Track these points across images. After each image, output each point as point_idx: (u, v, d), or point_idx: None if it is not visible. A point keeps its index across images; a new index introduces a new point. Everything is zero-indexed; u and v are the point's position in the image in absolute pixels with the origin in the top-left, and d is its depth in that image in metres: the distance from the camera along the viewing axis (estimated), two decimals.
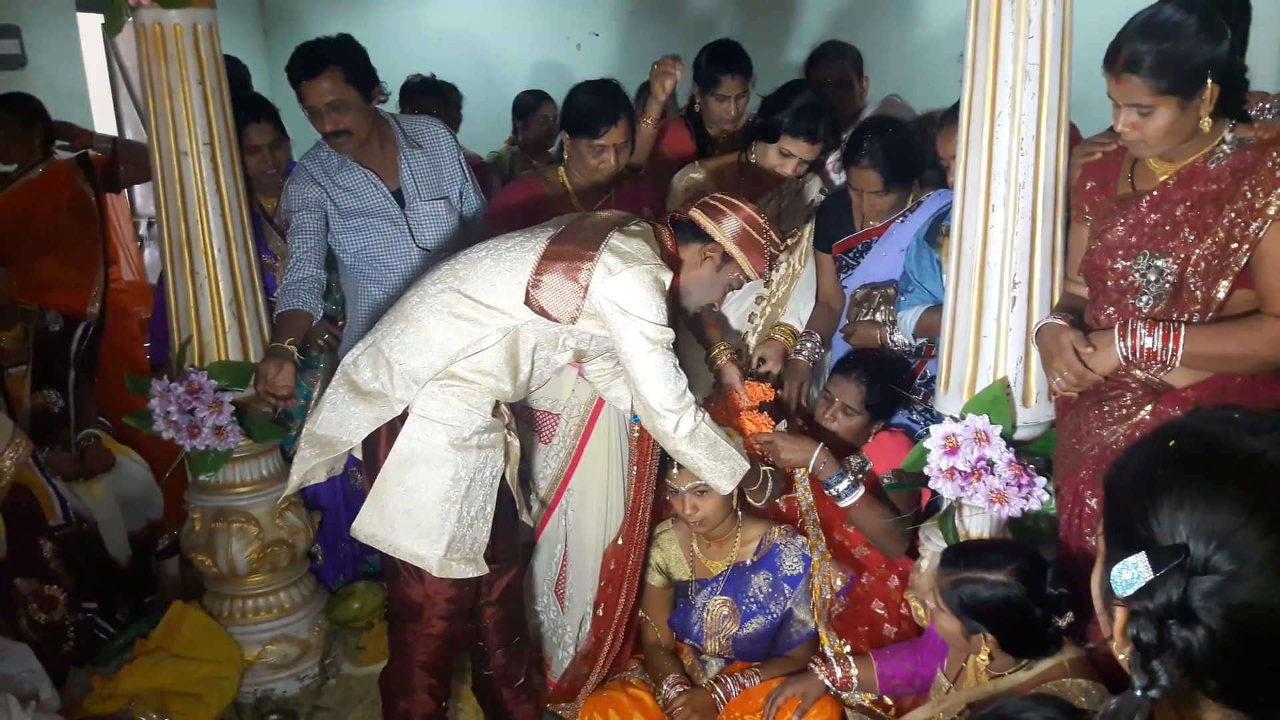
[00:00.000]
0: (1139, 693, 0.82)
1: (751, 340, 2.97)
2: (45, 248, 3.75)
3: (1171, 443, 0.90)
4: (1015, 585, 1.83)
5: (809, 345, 2.92)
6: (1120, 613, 0.87)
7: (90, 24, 5.61)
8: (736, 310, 2.97)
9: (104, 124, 5.89)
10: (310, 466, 2.45)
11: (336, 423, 2.40)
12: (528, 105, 4.70)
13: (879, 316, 2.83)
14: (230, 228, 2.78)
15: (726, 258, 2.43)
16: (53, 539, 3.02)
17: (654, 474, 2.68)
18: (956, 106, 2.16)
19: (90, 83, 5.62)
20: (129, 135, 5.87)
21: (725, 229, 2.40)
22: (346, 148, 2.91)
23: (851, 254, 2.92)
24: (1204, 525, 0.83)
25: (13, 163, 3.84)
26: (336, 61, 2.81)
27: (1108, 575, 0.86)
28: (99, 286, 3.84)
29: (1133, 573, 0.84)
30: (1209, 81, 1.78)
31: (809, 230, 2.97)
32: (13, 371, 3.27)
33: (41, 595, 2.94)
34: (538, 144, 4.71)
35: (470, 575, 2.39)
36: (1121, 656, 0.86)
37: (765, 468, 2.53)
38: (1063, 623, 1.83)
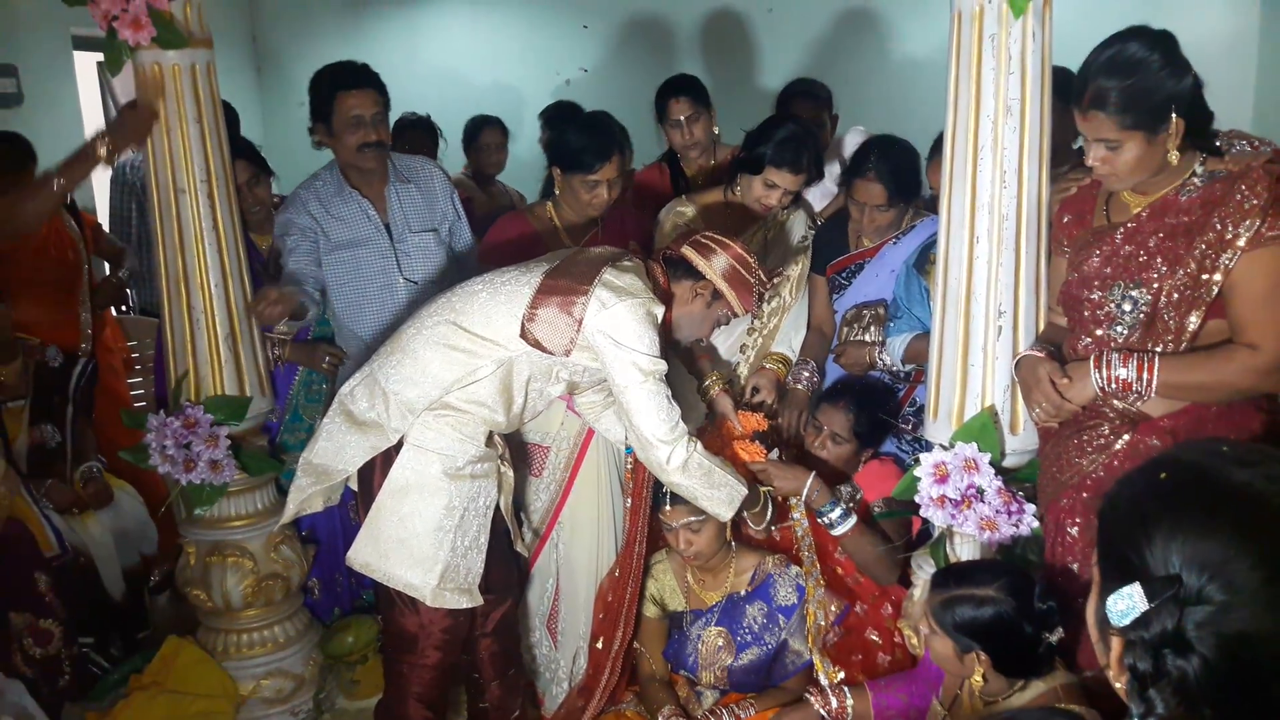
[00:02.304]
0: None
1: (743, 370, 3.00)
2: (27, 288, 3.75)
3: (1163, 475, 0.91)
4: (1005, 600, 1.85)
5: (805, 374, 2.95)
6: (1116, 642, 0.88)
7: (86, 62, 5.66)
8: (726, 340, 3.00)
9: None
10: (306, 495, 2.47)
11: (333, 452, 2.42)
12: (470, 131, 4.56)
13: (869, 336, 2.87)
14: (226, 263, 2.81)
15: (716, 294, 2.47)
16: (49, 572, 3.01)
17: (649, 506, 2.70)
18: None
19: (85, 121, 5.65)
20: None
21: (715, 266, 2.44)
22: (373, 161, 3.04)
23: (844, 274, 2.97)
24: (1196, 556, 0.84)
25: None
26: (375, 79, 3.02)
27: (1103, 605, 0.88)
28: (85, 322, 3.85)
29: (1127, 603, 0.85)
30: (1173, 116, 1.82)
31: (803, 263, 3.01)
32: (11, 406, 3.27)
33: (36, 630, 2.92)
34: (483, 171, 4.58)
35: (464, 605, 2.40)
36: (1118, 685, 0.87)
37: (765, 489, 2.55)
38: (1053, 638, 1.85)
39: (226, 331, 2.83)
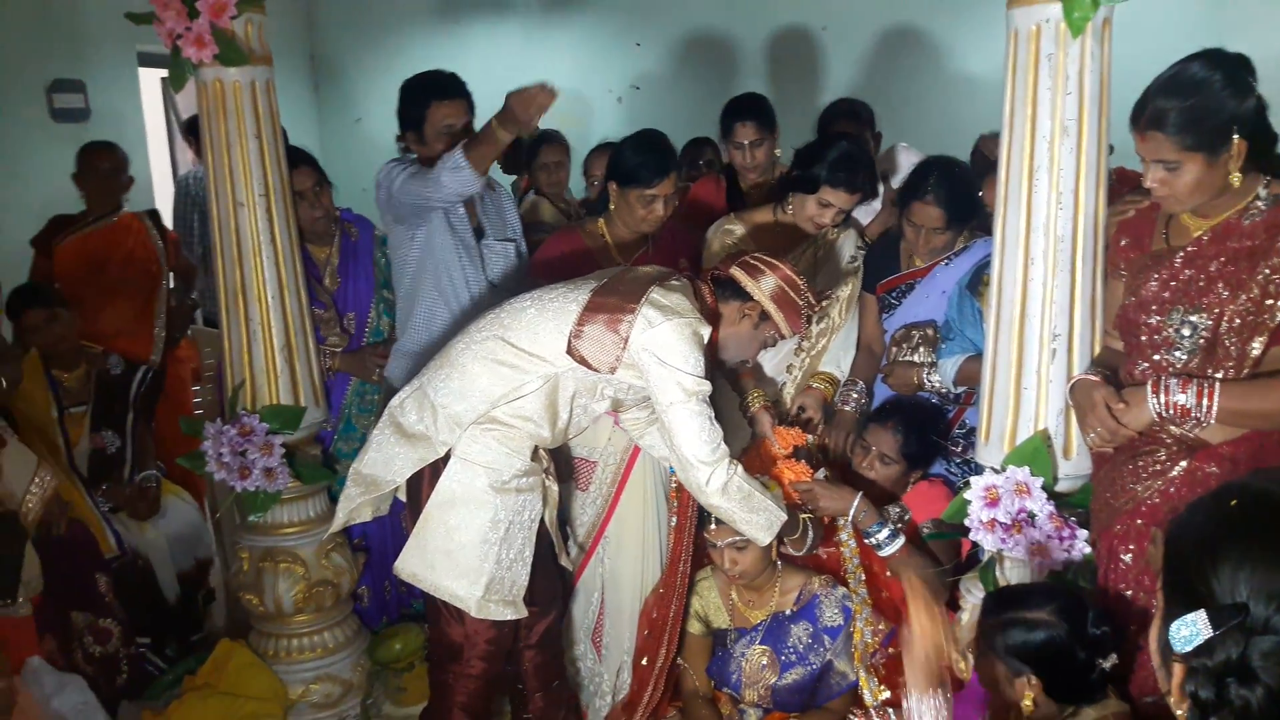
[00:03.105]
0: None
1: (789, 391, 2.99)
2: (110, 297, 3.88)
3: (1233, 502, 0.90)
4: (1058, 623, 1.82)
5: (854, 395, 2.94)
6: (1178, 669, 0.87)
7: (150, 78, 5.81)
8: (772, 360, 2.99)
9: (160, 173, 6.09)
10: (355, 505, 2.51)
11: (381, 462, 2.46)
12: (529, 147, 4.36)
13: (917, 357, 2.85)
14: (283, 276, 2.87)
15: (764, 315, 2.47)
16: (108, 573, 3.09)
17: (694, 523, 2.70)
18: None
19: (149, 135, 5.81)
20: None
21: (764, 287, 2.44)
22: None
23: (894, 294, 2.95)
24: (1264, 585, 0.83)
25: (97, 209, 3.99)
26: (466, 90, 3.06)
27: (1166, 630, 0.87)
28: (159, 335, 3.96)
29: (1191, 629, 0.84)
30: (1235, 137, 1.79)
31: (853, 284, 3.00)
32: (73, 411, 3.37)
33: (96, 628, 3.02)
34: (542, 190, 4.40)
35: (509, 617, 2.41)
36: (1179, 713, 0.87)
37: (805, 516, 2.54)
38: (1106, 664, 1.81)
39: (283, 342, 2.88)
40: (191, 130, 5.60)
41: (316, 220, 3.22)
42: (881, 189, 3.19)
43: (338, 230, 3.33)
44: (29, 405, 3.18)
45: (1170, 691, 0.89)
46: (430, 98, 3.04)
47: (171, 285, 4.13)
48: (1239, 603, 0.83)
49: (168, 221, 4.65)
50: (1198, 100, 1.80)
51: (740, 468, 2.38)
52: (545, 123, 2.95)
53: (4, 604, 2.71)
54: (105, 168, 3.97)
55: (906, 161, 3.39)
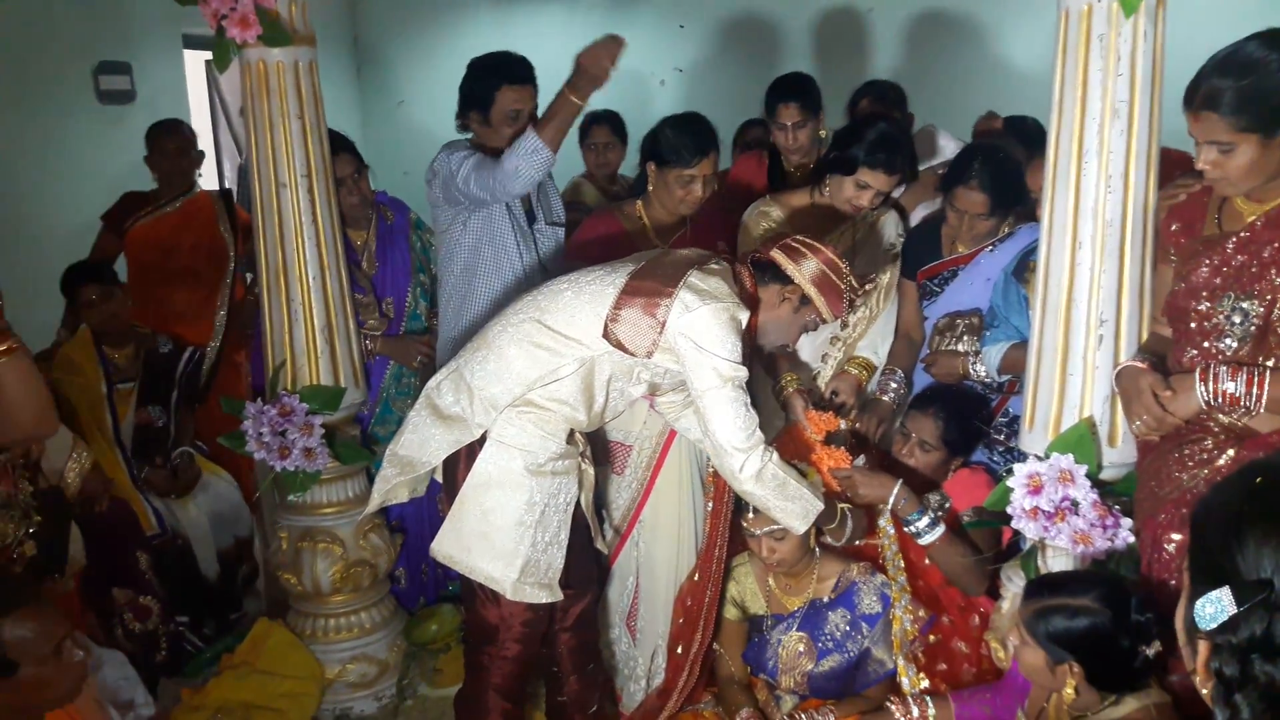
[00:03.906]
0: None
1: (825, 376, 2.96)
2: (179, 281, 3.93)
3: (1258, 479, 0.89)
4: (1101, 610, 1.80)
5: (893, 385, 2.90)
6: (1203, 646, 0.87)
7: (195, 60, 5.87)
8: (809, 346, 2.96)
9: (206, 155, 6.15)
10: (391, 485, 2.52)
11: (417, 444, 2.46)
12: (581, 128, 4.27)
13: (962, 346, 2.80)
14: (325, 256, 2.88)
15: (805, 299, 2.44)
16: (149, 551, 3.14)
17: (730, 509, 2.69)
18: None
19: (194, 117, 5.87)
20: (226, 166, 6.14)
21: (805, 271, 2.42)
22: None
23: (936, 281, 2.91)
24: None
25: (170, 190, 4.02)
26: (534, 74, 3.04)
27: (1191, 609, 0.87)
28: (220, 321, 3.99)
29: (1216, 606, 0.84)
30: None
31: (894, 271, 2.96)
32: (121, 387, 3.43)
33: (136, 605, 3.06)
34: (592, 172, 4.38)
35: (544, 600, 2.42)
36: (1205, 690, 0.86)
37: (843, 506, 2.51)
38: (1150, 652, 1.78)
39: (323, 323, 2.90)
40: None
41: (354, 206, 3.23)
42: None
43: (374, 214, 3.35)
44: (80, 379, 3.24)
45: (1196, 670, 0.89)
46: (500, 80, 3.01)
47: (240, 271, 4.13)
48: (1263, 579, 0.83)
49: None
50: (1254, 80, 1.76)
51: (775, 454, 2.36)
52: (588, 105, 2.93)
53: (53, 579, 2.76)
54: (173, 148, 4.00)
55: (942, 144, 3.34)
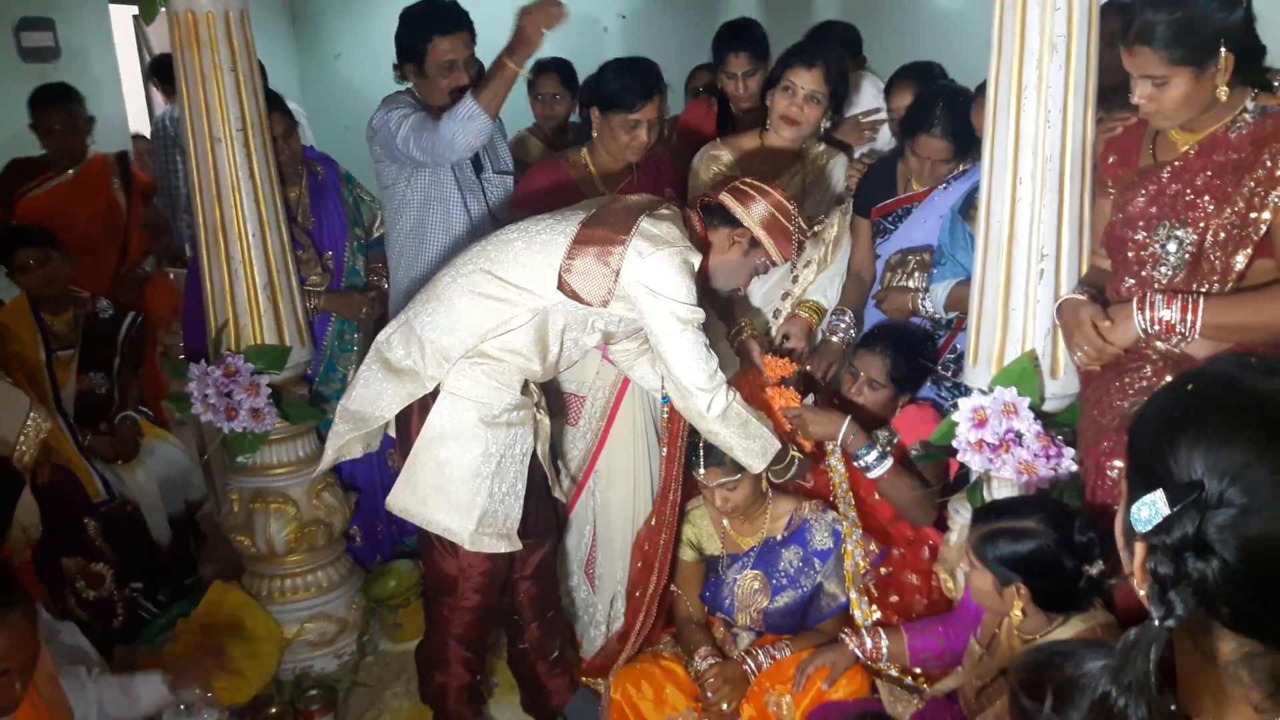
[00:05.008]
0: (1156, 623, 0.85)
1: (778, 323, 2.98)
2: (75, 255, 3.80)
3: (1189, 386, 0.92)
4: (1045, 532, 1.85)
5: (842, 325, 2.92)
6: (1140, 549, 0.90)
7: (121, 15, 5.68)
8: (760, 290, 2.97)
9: (135, 112, 5.97)
10: (344, 441, 2.50)
11: (369, 399, 2.45)
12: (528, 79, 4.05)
13: (912, 283, 2.82)
14: (264, 212, 2.82)
15: (754, 243, 2.44)
16: (97, 517, 3.09)
17: (684, 453, 2.70)
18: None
19: (122, 73, 5.69)
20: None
21: (754, 214, 2.42)
22: None
23: (890, 218, 2.91)
24: (1218, 462, 0.85)
25: (66, 159, 3.89)
26: (468, 20, 2.98)
27: (1129, 515, 0.89)
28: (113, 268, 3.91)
29: (1150, 510, 0.86)
30: (1222, 50, 1.77)
31: (843, 224, 2.96)
32: (61, 354, 3.34)
33: (89, 572, 3.00)
34: (539, 124, 4.19)
35: (502, 550, 2.43)
36: (1141, 591, 0.89)
37: (794, 452, 2.54)
38: (1093, 571, 1.84)
39: (265, 281, 2.85)
40: (156, 71, 5.49)
41: (285, 163, 3.17)
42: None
43: (304, 170, 3.29)
44: (18, 347, 3.15)
45: (1133, 572, 0.92)
46: (432, 31, 2.96)
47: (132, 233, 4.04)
48: (1194, 480, 0.86)
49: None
50: (1185, 13, 1.78)
51: (738, 394, 2.38)
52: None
53: None
54: (59, 128, 3.87)
55: (866, 88, 3.34)
